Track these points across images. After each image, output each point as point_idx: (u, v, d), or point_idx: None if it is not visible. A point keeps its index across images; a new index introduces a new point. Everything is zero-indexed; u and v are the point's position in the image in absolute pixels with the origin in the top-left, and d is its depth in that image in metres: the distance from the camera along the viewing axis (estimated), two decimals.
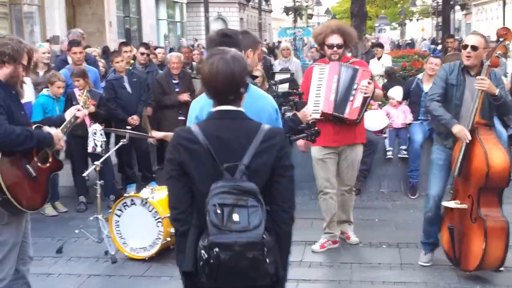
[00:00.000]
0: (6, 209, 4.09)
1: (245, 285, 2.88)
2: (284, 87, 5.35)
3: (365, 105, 5.93)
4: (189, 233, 2.96)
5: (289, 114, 5.01)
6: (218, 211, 2.76)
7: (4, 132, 3.97)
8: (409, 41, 46.48)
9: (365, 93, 5.80)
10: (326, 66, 6.00)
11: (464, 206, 5.35)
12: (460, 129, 5.30)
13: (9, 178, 4.05)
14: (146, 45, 10.54)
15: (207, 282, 2.84)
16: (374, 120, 8.48)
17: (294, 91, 4.99)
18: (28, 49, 4.32)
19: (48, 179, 4.45)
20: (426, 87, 8.51)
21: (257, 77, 5.46)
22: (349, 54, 8.26)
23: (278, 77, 6.03)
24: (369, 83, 5.78)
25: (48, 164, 4.43)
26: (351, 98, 5.86)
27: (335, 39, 5.82)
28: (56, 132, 4.34)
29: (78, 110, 4.73)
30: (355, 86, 5.85)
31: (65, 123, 4.59)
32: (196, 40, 33.50)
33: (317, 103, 5.89)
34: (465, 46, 5.48)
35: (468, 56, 5.43)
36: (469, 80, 5.51)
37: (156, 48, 12.64)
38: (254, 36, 4.71)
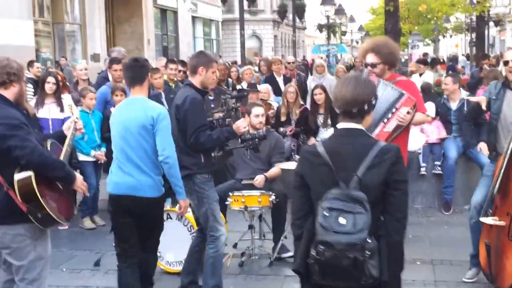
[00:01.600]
0: (44, 225, 4.10)
1: (350, 284, 3.18)
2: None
3: (396, 132, 5.49)
4: (303, 236, 3.32)
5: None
6: (326, 214, 3.12)
7: (42, 153, 4.04)
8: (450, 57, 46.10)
9: (400, 121, 5.40)
10: (380, 82, 5.61)
11: (502, 223, 5.28)
12: (483, 148, 5.46)
13: (45, 194, 4.05)
14: (183, 62, 10.74)
15: (317, 279, 3.21)
16: (412, 140, 8.48)
17: (237, 105, 5.54)
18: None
19: (72, 190, 4.50)
20: (453, 104, 8.57)
21: (207, 92, 5.66)
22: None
23: (226, 96, 6.27)
24: (408, 112, 5.37)
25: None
26: (385, 120, 5.47)
27: (369, 58, 5.58)
28: (79, 177, 4.37)
29: (75, 122, 4.64)
30: (393, 110, 5.45)
31: (66, 141, 4.52)
32: (236, 62, 33.82)
33: None
34: (506, 62, 5.54)
35: (511, 71, 5.49)
36: (509, 94, 5.55)
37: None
38: (209, 55, 5.61)
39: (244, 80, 11.13)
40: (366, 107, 3.34)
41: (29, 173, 3.99)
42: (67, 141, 4.51)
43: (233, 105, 5.72)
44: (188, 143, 5.25)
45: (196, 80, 5.41)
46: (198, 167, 5.35)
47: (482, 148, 5.72)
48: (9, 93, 4.18)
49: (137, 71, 5.16)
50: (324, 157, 3.26)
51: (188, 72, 5.63)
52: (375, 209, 3.18)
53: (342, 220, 3.09)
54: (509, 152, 5.24)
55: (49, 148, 4.28)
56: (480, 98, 5.85)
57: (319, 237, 3.11)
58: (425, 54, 22.69)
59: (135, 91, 5.11)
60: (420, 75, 13.37)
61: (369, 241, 3.09)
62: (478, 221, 5.65)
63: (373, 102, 3.41)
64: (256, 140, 5.62)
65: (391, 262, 3.27)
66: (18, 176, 3.99)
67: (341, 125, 3.37)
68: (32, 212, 3.98)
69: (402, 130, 5.46)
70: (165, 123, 4.94)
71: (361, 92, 3.32)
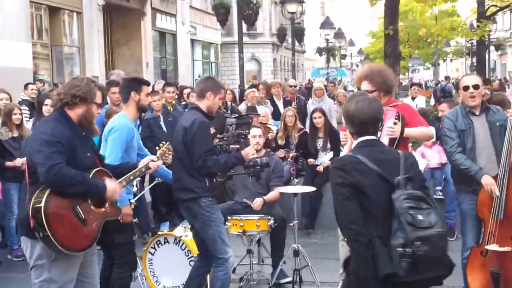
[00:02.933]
0: (48, 246, 4.06)
1: (438, 274, 3.51)
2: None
3: (392, 146, 5.31)
4: (374, 244, 3.42)
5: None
6: (411, 212, 3.35)
7: (58, 172, 4.01)
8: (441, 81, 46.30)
9: (390, 134, 5.31)
10: None
11: (508, 248, 5.19)
12: (490, 182, 5.27)
13: (53, 216, 4.01)
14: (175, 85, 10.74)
15: (407, 276, 3.35)
16: None
17: (244, 132, 5.65)
18: (100, 87, 4.57)
19: (100, 224, 4.31)
20: None
21: (213, 117, 5.72)
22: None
23: (231, 121, 6.29)
24: (394, 123, 5.32)
25: (103, 209, 4.34)
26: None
27: (364, 86, 5.59)
28: (111, 186, 4.31)
29: (152, 160, 4.79)
30: (380, 128, 5.46)
31: (133, 171, 4.65)
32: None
33: (345, 143, 5.67)
34: (466, 87, 5.58)
35: (472, 97, 5.54)
36: (475, 119, 5.58)
37: (183, 88, 12.80)
38: (217, 81, 5.76)
39: (249, 102, 11.07)
40: (380, 124, 3.77)
41: (47, 191, 4.04)
42: (132, 172, 4.65)
43: (241, 131, 5.80)
44: (195, 166, 5.29)
45: (203, 105, 5.48)
46: (203, 190, 5.37)
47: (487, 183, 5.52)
48: (73, 113, 4.33)
49: (121, 91, 5.73)
50: (370, 165, 3.49)
51: (195, 96, 5.74)
52: None
53: (420, 217, 3.36)
54: (505, 175, 5.17)
55: (91, 175, 4.26)
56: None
57: (412, 235, 3.31)
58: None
59: (123, 108, 5.58)
60: (413, 98, 13.37)
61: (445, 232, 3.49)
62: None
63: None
64: (258, 167, 5.79)
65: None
66: (37, 192, 4.07)
67: (362, 138, 3.64)
68: (36, 228, 4.01)
69: (399, 144, 5.37)
70: (115, 135, 5.22)
71: (379, 110, 3.69)
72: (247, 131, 6.06)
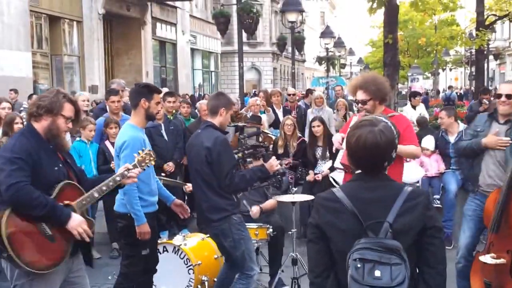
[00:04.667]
0: (14, 266, 3.93)
1: None
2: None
3: None
4: None
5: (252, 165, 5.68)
6: (359, 265, 2.76)
7: (18, 191, 3.85)
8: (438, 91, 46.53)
9: None
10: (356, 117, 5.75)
11: (503, 261, 5.15)
12: (489, 137, 5.35)
13: (14, 235, 3.85)
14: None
15: None
16: (410, 172, 8.42)
17: (262, 143, 5.60)
18: (72, 100, 4.24)
19: (70, 238, 4.11)
20: (451, 137, 8.57)
21: (227, 132, 5.72)
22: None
23: (229, 131, 6.30)
24: None
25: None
26: None
27: (359, 95, 5.59)
28: (76, 219, 4.06)
29: (128, 169, 4.48)
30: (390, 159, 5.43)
31: (105, 181, 4.32)
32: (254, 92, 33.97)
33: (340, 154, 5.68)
34: (499, 95, 5.53)
35: (503, 104, 5.48)
36: (495, 126, 5.55)
37: (184, 96, 12.83)
38: (228, 97, 5.68)
39: (252, 111, 11.08)
40: (386, 163, 3.03)
41: (7, 211, 3.86)
42: (104, 183, 4.31)
43: (257, 143, 5.78)
44: (223, 185, 5.25)
45: (216, 121, 5.46)
46: (233, 207, 5.39)
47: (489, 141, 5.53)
48: (39, 126, 4.14)
49: (131, 96, 5.63)
50: (346, 204, 2.92)
51: (208, 113, 5.67)
52: (409, 261, 2.83)
53: (377, 273, 2.74)
54: (506, 187, 5.15)
55: (57, 190, 4.06)
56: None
57: None
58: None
59: (132, 115, 5.49)
60: (414, 107, 13.42)
61: None
62: (467, 264, 5.61)
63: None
64: (279, 176, 5.70)
65: None
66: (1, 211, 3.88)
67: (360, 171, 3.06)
68: (0, 249, 3.87)
69: (392, 167, 5.39)
70: (127, 152, 5.13)
71: (384, 146, 2.97)
72: (266, 143, 6.00)
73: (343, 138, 5.60)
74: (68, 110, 4.18)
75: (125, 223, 5.07)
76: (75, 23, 20.73)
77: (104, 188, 4.29)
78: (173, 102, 9.60)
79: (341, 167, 5.55)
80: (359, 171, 3.04)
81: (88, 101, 9.44)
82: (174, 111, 9.50)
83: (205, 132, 5.43)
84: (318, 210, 3.01)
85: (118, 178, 4.37)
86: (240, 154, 5.70)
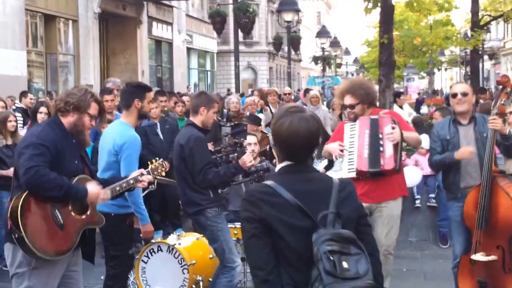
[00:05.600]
0: (22, 248, 4.02)
1: None
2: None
3: (398, 151, 5.51)
4: None
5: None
6: (331, 258, 2.68)
7: (35, 174, 3.98)
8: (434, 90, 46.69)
9: (392, 139, 5.43)
10: (356, 123, 5.67)
11: (494, 257, 5.18)
12: (462, 151, 5.38)
13: (29, 217, 4.00)
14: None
15: None
16: (409, 175, 8.40)
17: (238, 140, 5.78)
18: (98, 100, 4.44)
19: (79, 231, 4.26)
20: None
21: (208, 131, 5.88)
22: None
23: (225, 130, 6.37)
24: (392, 127, 5.46)
25: (84, 216, 4.30)
26: (381, 149, 5.48)
27: (347, 100, 5.65)
28: (93, 190, 4.26)
29: (143, 174, 4.73)
30: (381, 136, 5.50)
31: (119, 182, 4.58)
32: (229, 90, 33.94)
33: (351, 162, 5.60)
34: (455, 95, 5.61)
35: (459, 103, 5.57)
36: (461, 129, 5.61)
37: (182, 95, 12.81)
38: (209, 96, 5.85)
39: (249, 111, 11.07)
40: (314, 149, 2.98)
41: (24, 194, 4.01)
42: (118, 183, 4.56)
43: (237, 140, 5.94)
44: (197, 181, 5.47)
45: (197, 120, 5.65)
46: (208, 202, 5.56)
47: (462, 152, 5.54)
48: (65, 120, 4.33)
49: (123, 96, 5.63)
50: (287, 197, 2.80)
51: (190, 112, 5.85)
52: None
53: (345, 264, 2.67)
54: (488, 184, 5.17)
55: (75, 181, 4.22)
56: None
57: (330, 287, 2.65)
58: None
59: (123, 115, 5.50)
60: (401, 107, 13.47)
61: (378, 284, 2.80)
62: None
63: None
64: (261, 172, 5.92)
65: None
66: (18, 194, 4.06)
67: (287, 162, 2.94)
68: (12, 230, 4.00)
69: (394, 175, 5.53)
70: (129, 153, 5.16)
71: (315, 133, 2.90)
72: (242, 139, 6.16)
73: (340, 145, 5.62)
74: (93, 108, 4.41)
75: (109, 223, 5.06)
76: (70, 22, 20.67)
77: (117, 188, 4.56)
78: (165, 101, 9.61)
79: (354, 175, 5.49)
80: (287, 162, 2.93)
81: None
82: (165, 109, 9.51)
83: (184, 131, 5.71)
84: (257, 204, 2.81)
85: (132, 181, 4.64)
86: (222, 151, 5.85)
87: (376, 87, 8.34)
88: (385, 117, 5.58)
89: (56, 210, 4.12)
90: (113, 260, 5.41)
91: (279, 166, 2.98)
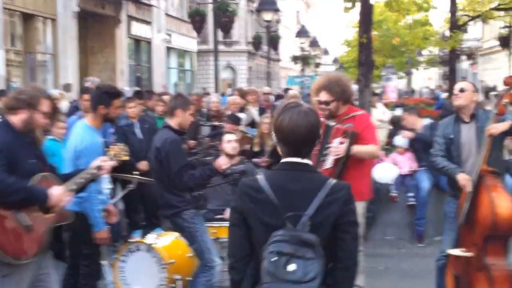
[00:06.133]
0: None
1: None
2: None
3: (338, 165, 5.41)
4: (244, 282, 2.94)
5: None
6: (274, 258, 2.73)
7: None
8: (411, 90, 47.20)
9: (335, 154, 5.36)
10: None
11: (470, 254, 5.28)
12: (464, 178, 5.34)
13: None
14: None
15: None
16: (384, 172, 8.50)
17: (215, 143, 5.81)
18: (50, 97, 4.39)
19: (48, 230, 4.19)
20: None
21: (185, 133, 5.92)
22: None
23: (204, 130, 6.41)
24: (341, 142, 5.36)
25: (50, 214, 4.20)
26: (323, 158, 5.43)
27: (322, 96, 5.58)
28: (55, 192, 4.13)
29: (104, 161, 4.59)
30: (327, 146, 5.42)
31: (80, 174, 4.43)
32: (204, 89, 33.93)
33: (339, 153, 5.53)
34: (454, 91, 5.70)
35: (456, 97, 5.61)
36: (464, 127, 5.64)
37: (161, 94, 12.77)
38: (186, 98, 5.87)
39: (231, 110, 11.08)
40: (316, 142, 3.02)
41: None
42: (80, 174, 4.43)
43: (213, 144, 5.98)
44: (173, 183, 5.50)
45: (174, 122, 5.65)
46: (185, 204, 5.58)
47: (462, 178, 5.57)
48: (16, 119, 4.23)
49: (90, 99, 5.62)
50: (267, 193, 2.88)
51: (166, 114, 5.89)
52: (325, 255, 2.82)
53: (291, 267, 2.71)
54: (475, 182, 5.26)
55: (33, 182, 4.10)
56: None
57: (265, 286, 2.74)
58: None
59: (89, 116, 5.51)
60: (374, 106, 13.61)
61: None
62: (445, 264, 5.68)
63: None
64: (237, 175, 6.04)
65: None
66: None
67: (288, 159, 2.98)
68: None
69: (358, 172, 5.42)
70: (87, 159, 4.92)
71: (316, 125, 2.97)
72: (217, 142, 6.20)
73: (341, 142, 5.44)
74: (45, 105, 4.29)
75: (79, 222, 5.03)
76: (49, 21, 20.51)
77: (81, 180, 4.41)
78: (143, 104, 9.62)
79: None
80: (287, 159, 2.97)
81: (59, 99, 9.37)
82: (144, 108, 9.51)
83: (160, 133, 5.73)
84: (241, 196, 2.96)
85: (94, 171, 4.49)
86: (199, 154, 5.87)
87: (355, 86, 8.41)
88: (340, 128, 5.45)
89: (19, 213, 4.01)
90: (86, 259, 5.42)
91: (281, 161, 3.04)
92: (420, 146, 8.68)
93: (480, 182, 5.27)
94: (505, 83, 5.60)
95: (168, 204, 5.61)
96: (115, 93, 5.56)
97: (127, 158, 4.90)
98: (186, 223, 5.60)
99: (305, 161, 2.98)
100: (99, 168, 4.54)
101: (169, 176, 5.51)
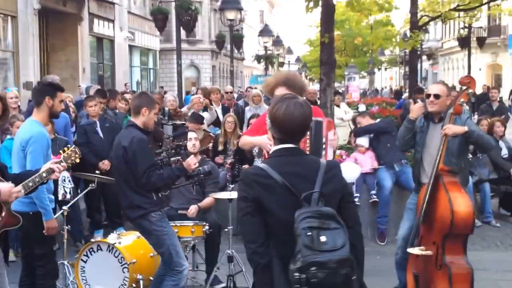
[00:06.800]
0: None
1: None
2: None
3: (333, 157, 5.65)
4: (272, 265, 3.17)
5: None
6: (309, 233, 3.01)
7: None
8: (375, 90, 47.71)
9: (333, 146, 5.52)
10: None
11: (429, 252, 5.34)
12: (415, 107, 5.69)
13: None
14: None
15: None
16: (348, 171, 8.54)
17: (181, 143, 5.75)
18: (1, 97, 4.31)
19: None
20: None
21: (150, 132, 5.77)
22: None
23: (167, 129, 6.37)
24: (334, 133, 5.51)
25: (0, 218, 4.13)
26: (323, 152, 5.36)
27: (280, 91, 5.30)
28: (5, 188, 4.07)
29: (55, 163, 4.54)
30: (323, 140, 5.38)
31: (32, 177, 4.38)
32: (162, 87, 33.82)
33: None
34: (428, 95, 5.69)
35: (431, 104, 5.65)
36: (432, 127, 5.72)
37: (124, 93, 12.69)
38: (151, 96, 5.77)
39: (194, 109, 11.03)
40: (306, 132, 3.39)
41: None
42: (31, 178, 4.36)
43: (180, 143, 5.88)
44: (140, 183, 5.33)
45: (139, 121, 5.53)
46: (152, 205, 5.41)
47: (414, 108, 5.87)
48: None
49: (35, 94, 5.56)
50: (277, 178, 3.16)
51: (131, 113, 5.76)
52: None
53: (323, 238, 3.02)
54: (431, 182, 5.34)
55: None
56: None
57: (308, 259, 2.99)
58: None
59: (34, 113, 5.39)
60: (338, 106, 13.73)
61: (351, 256, 3.09)
62: (404, 256, 5.76)
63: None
64: (202, 176, 5.88)
65: (361, 276, 3.36)
66: None
67: (283, 145, 3.29)
68: None
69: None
70: (34, 148, 5.04)
71: (309, 116, 3.30)
72: (185, 142, 6.12)
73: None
74: None
75: (29, 222, 4.95)
76: (9, 18, 20.18)
77: (30, 184, 4.34)
78: (104, 103, 9.53)
79: None
80: (280, 146, 3.28)
81: (17, 97, 9.23)
82: (105, 107, 9.43)
83: (125, 132, 5.58)
84: (251, 185, 3.19)
85: (44, 174, 4.43)
86: (164, 154, 5.76)
87: (316, 86, 8.48)
88: (330, 121, 5.57)
89: None
90: (41, 259, 5.33)
91: (273, 149, 3.34)
92: (377, 139, 8.87)
93: (438, 180, 5.35)
94: (461, 83, 5.72)
95: (134, 205, 5.40)
96: (58, 86, 5.58)
97: (78, 160, 4.86)
98: (154, 225, 5.41)
99: (296, 145, 3.31)
100: (50, 171, 4.46)
101: (135, 176, 5.34)
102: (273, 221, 3.17)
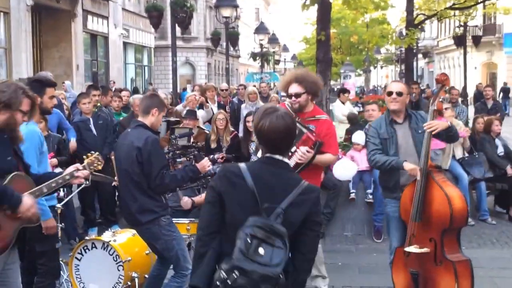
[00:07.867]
0: None
1: None
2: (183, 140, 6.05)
3: (296, 169, 5.24)
4: (208, 255, 3.24)
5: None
6: (248, 240, 3.04)
7: None
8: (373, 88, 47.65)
9: (300, 160, 5.30)
10: None
11: (427, 250, 5.30)
12: (413, 166, 5.36)
13: None
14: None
15: None
16: (344, 169, 8.50)
17: (193, 144, 5.61)
18: (29, 95, 4.23)
19: (16, 230, 4.13)
20: None
21: (159, 133, 5.66)
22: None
23: (178, 131, 6.29)
24: (308, 151, 5.30)
25: (19, 215, 4.10)
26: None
27: (293, 88, 5.56)
28: (27, 203, 4.06)
29: (78, 169, 4.51)
30: (293, 149, 5.32)
31: (54, 179, 4.36)
32: (151, 84, 33.74)
33: (303, 161, 5.48)
34: (391, 93, 5.66)
35: (393, 102, 5.61)
36: (398, 128, 5.68)
37: (121, 90, 12.65)
38: (161, 98, 5.64)
39: (189, 107, 10.99)
40: (293, 141, 3.41)
41: None
42: (54, 179, 4.34)
43: (192, 144, 5.77)
44: (153, 185, 5.18)
45: (148, 121, 5.41)
46: (162, 208, 5.32)
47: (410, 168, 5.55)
48: None
49: None
50: (248, 181, 3.20)
51: (139, 112, 5.58)
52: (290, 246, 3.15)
53: (261, 251, 3.03)
54: (423, 177, 5.28)
55: (7, 179, 4.03)
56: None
57: (235, 262, 3.02)
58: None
59: None
60: (344, 103, 13.69)
61: (281, 276, 3.07)
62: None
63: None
64: (209, 178, 5.75)
65: None
66: None
67: (270, 155, 3.31)
68: None
69: (312, 168, 5.40)
70: (26, 145, 4.84)
71: (293, 127, 3.34)
72: (199, 144, 5.98)
73: None
74: (26, 105, 4.22)
75: None
76: (2, 14, 20.08)
77: (53, 184, 4.35)
78: (98, 95, 9.47)
79: None
80: (268, 154, 3.31)
81: None
82: (98, 104, 9.37)
83: (135, 132, 5.36)
84: (221, 179, 3.29)
85: (67, 177, 4.45)
86: (170, 154, 5.66)
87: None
88: (311, 138, 5.39)
89: None
90: (41, 257, 5.25)
91: (259, 155, 3.41)
92: None
93: (429, 178, 5.31)
94: (437, 81, 5.72)
95: (145, 209, 5.22)
96: (47, 82, 5.48)
97: (100, 167, 4.84)
98: (164, 230, 5.27)
99: (285, 160, 3.34)
100: (71, 175, 4.46)
101: (148, 177, 5.16)
102: (228, 218, 3.24)
